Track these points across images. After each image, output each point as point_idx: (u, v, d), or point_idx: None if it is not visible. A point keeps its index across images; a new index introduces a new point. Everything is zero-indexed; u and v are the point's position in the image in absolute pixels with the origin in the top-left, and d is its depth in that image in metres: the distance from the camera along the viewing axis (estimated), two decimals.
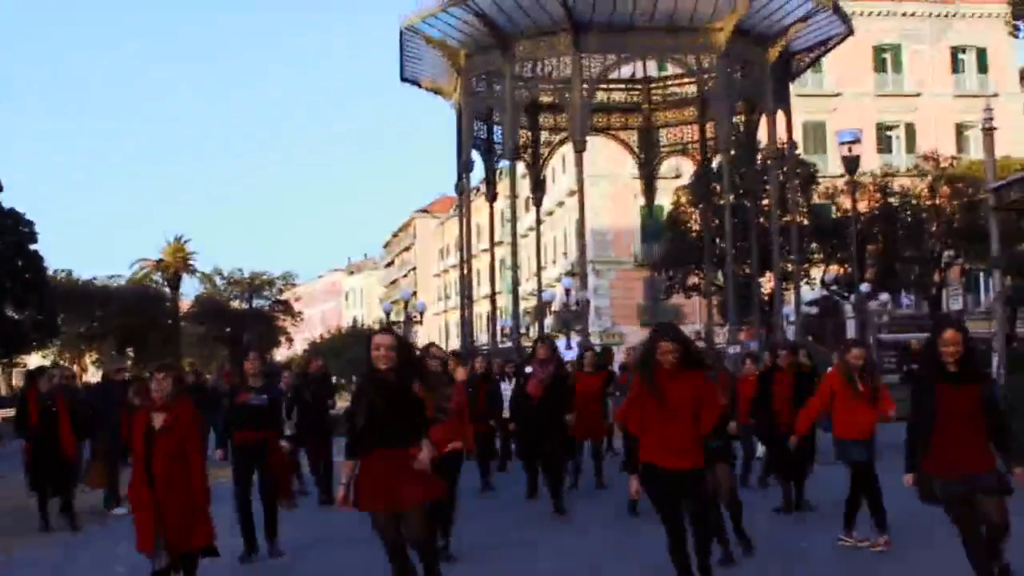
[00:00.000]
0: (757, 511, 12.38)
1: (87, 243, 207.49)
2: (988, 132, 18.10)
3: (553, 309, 45.34)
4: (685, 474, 7.48)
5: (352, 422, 7.63)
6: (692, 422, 7.53)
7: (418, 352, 10.44)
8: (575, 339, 32.49)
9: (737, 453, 11.15)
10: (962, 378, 7.48)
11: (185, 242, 74.18)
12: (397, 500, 7.36)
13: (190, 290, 77.78)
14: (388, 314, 70.86)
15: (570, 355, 24.00)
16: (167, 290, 73.20)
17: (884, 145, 56.87)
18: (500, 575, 9.75)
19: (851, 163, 28.14)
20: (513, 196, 33.67)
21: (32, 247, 43.42)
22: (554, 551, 10.70)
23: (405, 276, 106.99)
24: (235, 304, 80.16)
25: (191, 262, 74.85)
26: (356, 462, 7.54)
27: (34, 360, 65.97)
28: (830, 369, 11.56)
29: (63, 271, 67.51)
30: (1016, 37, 38.79)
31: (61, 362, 63.85)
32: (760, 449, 16.10)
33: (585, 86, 30.66)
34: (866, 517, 10.07)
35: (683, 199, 42.85)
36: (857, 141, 28.27)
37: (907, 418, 7.82)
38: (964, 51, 58.98)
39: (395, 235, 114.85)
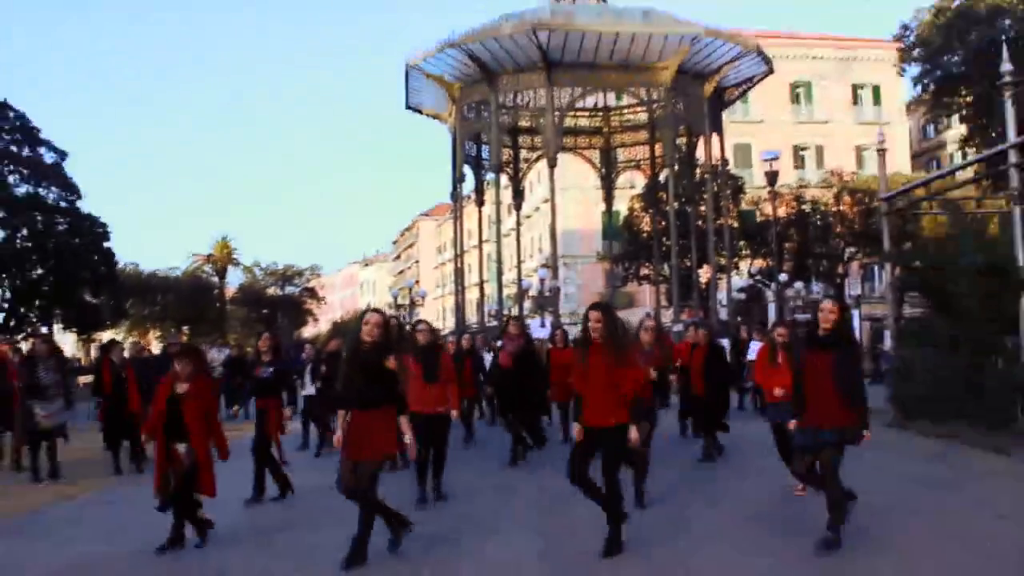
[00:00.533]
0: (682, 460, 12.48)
1: (151, 241, 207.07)
2: (881, 152, 18.19)
3: (531, 295, 45.31)
4: (603, 431, 7.35)
5: (342, 384, 7.58)
6: (611, 387, 7.37)
7: (408, 326, 10.58)
8: (548, 319, 32.51)
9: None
10: (827, 344, 7.46)
11: (230, 240, 73.84)
12: (359, 453, 7.34)
13: (234, 279, 77.49)
14: (395, 298, 70.94)
15: (544, 333, 23.98)
16: (215, 280, 72.78)
17: (799, 162, 57.12)
18: (484, 508, 9.65)
19: (771, 176, 28.34)
20: (497, 202, 33.72)
21: (105, 244, 43.20)
22: (531, 489, 10.67)
23: (409, 268, 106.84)
24: (271, 291, 79.99)
25: (235, 256, 74.45)
26: (345, 414, 7.51)
27: (108, 337, 65.79)
28: (759, 345, 11.48)
29: (131, 264, 67.27)
30: (902, 76, 39.01)
31: (131, 339, 63.70)
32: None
33: (557, 113, 30.67)
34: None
35: (636, 205, 43.02)
36: (776, 159, 28.50)
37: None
38: (863, 87, 59.28)
39: (402, 234, 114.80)
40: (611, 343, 7.46)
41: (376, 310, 7.93)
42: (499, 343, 14.58)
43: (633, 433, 7.40)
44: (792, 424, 7.77)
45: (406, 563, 7.36)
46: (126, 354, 14.17)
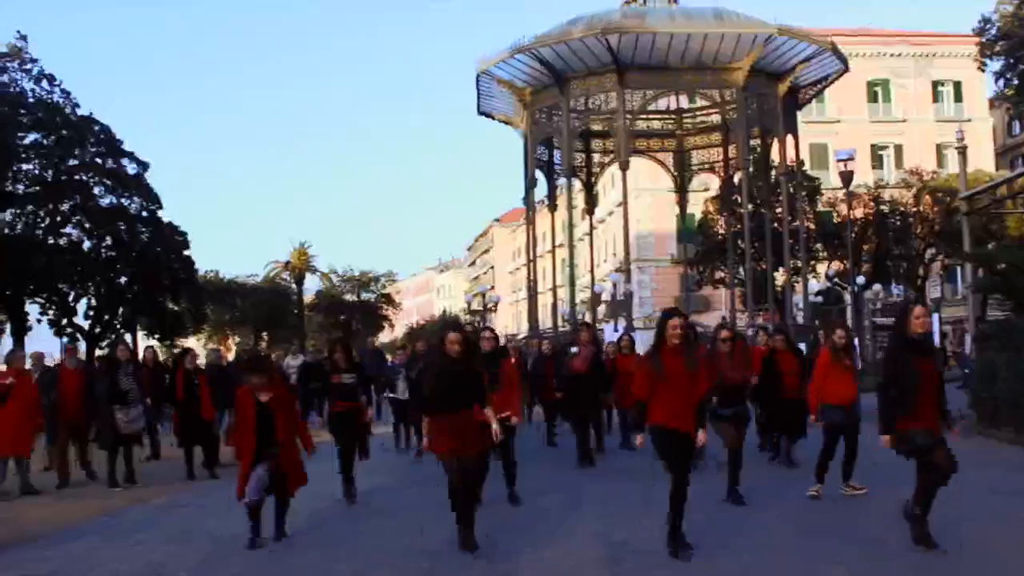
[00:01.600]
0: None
1: (232, 249, 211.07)
2: (961, 151, 17.72)
3: (604, 300, 45.11)
4: (683, 435, 7.42)
5: (422, 390, 8.49)
6: (691, 393, 7.47)
7: (473, 332, 11.03)
8: (622, 324, 32.28)
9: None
10: (926, 349, 7.49)
11: (308, 247, 74.64)
12: (463, 448, 7.87)
13: (312, 286, 78.39)
14: (469, 304, 71.13)
15: (616, 336, 23.79)
16: (293, 286, 73.67)
17: (877, 162, 56.13)
18: (546, 512, 9.67)
19: (846, 177, 27.83)
20: (570, 207, 33.56)
21: (185, 252, 43.94)
22: (594, 494, 10.59)
23: (485, 273, 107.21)
24: (348, 297, 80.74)
25: (312, 263, 75.36)
26: (428, 420, 8.23)
27: (191, 342, 67.12)
28: (823, 348, 11.19)
29: (212, 271, 68.38)
30: (983, 71, 38.01)
31: (212, 345, 64.83)
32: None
33: (628, 116, 30.48)
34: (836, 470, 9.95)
35: (711, 208, 42.57)
36: (851, 159, 28.00)
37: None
38: (943, 84, 58.04)
39: (476, 240, 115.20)
40: (691, 349, 7.65)
41: (456, 327, 8.78)
42: (573, 349, 14.59)
43: (702, 436, 7.53)
44: (886, 439, 7.51)
45: (466, 567, 7.39)
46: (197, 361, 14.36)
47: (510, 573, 7.30)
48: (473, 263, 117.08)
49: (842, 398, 9.81)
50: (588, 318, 40.07)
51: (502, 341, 13.19)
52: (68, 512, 10.96)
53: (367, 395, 11.59)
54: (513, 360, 14.38)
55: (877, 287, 40.99)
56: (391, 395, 16.51)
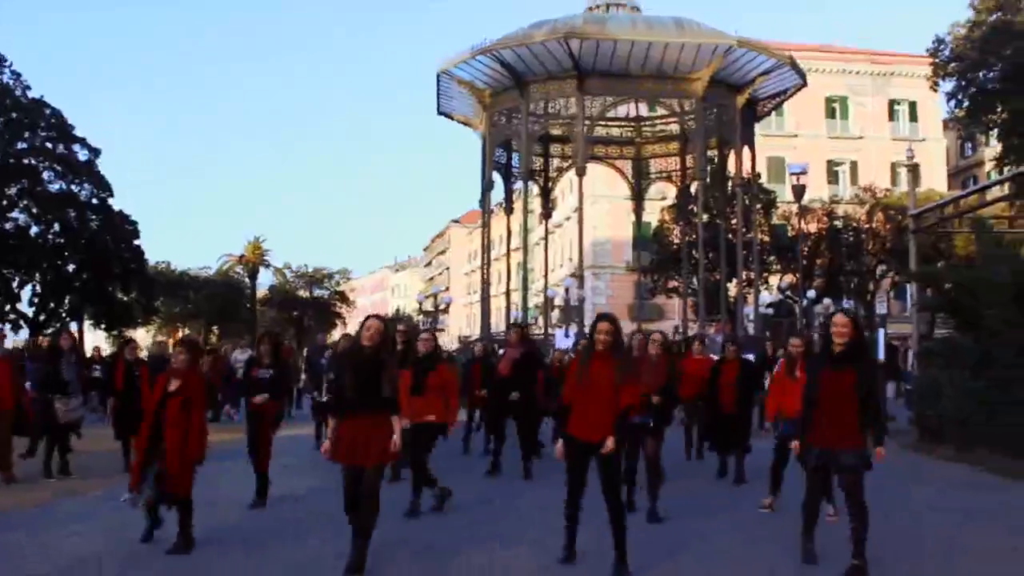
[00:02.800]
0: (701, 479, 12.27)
1: (184, 241, 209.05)
2: (911, 169, 17.93)
3: (557, 304, 45.13)
4: (595, 446, 7.11)
5: (336, 387, 7.62)
6: (611, 401, 7.16)
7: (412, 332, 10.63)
8: (573, 329, 32.27)
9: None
10: (843, 361, 7.14)
11: (262, 241, 74.18)
12: (363, 458, 7.24)
13: (265, 280, 77.86)
14: (420, 304, 70.93)
15: (568, 343, 23.74)
16: (247, 280, 73.18)
17: (832, 178, 56.69)
18: (479, 521, 9.52)
19: (799, 190, 28.05)
20: (526, 211, 33.63)
21: (136, 242, 43.49)
22: (528, 503, 10.43)
23: (440, 274, 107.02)
24: (301, 293, 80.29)
25: (266, 258, 74.87)
26: (337, 420, 7.44)
27: (140, 334, 66.36)
28: (780, 360, 11.00)
29: (163, 263, 67.79)
30: (936, 91, 38.48)
31: (160, 337, 64.17)
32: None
33: (587, 122, 30.50)
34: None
35: (667, 217, 42.85)
36: (804, 172, 28.23)
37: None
38: (899, 103, 58.78)
39: (433, 240, 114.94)
40: (617, 355, 7.31)
41: (377, 316, 7.87)
42: (500, 351, 14.30)
43: (609, 442, 7.05)
44: (794, 444, 7.49)
45: (399, 571, 7.32)
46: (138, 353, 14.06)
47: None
48: (429, 263, 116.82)
49: (794, 411, 8.92)
50: (541, 323, 40.09)
51: (453, 345, 12.92)
52: None
53: (282, 392, 11.29)
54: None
55: (827, 301, 41.38)
56: (315, 396, 16.36)
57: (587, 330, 7.73)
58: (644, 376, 8.66)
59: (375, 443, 7.21)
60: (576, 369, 7.50)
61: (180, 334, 70.15)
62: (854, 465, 6.99)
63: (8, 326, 39.56)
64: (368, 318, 7.74)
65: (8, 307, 40.06)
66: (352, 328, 67.49)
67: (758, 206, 37.39)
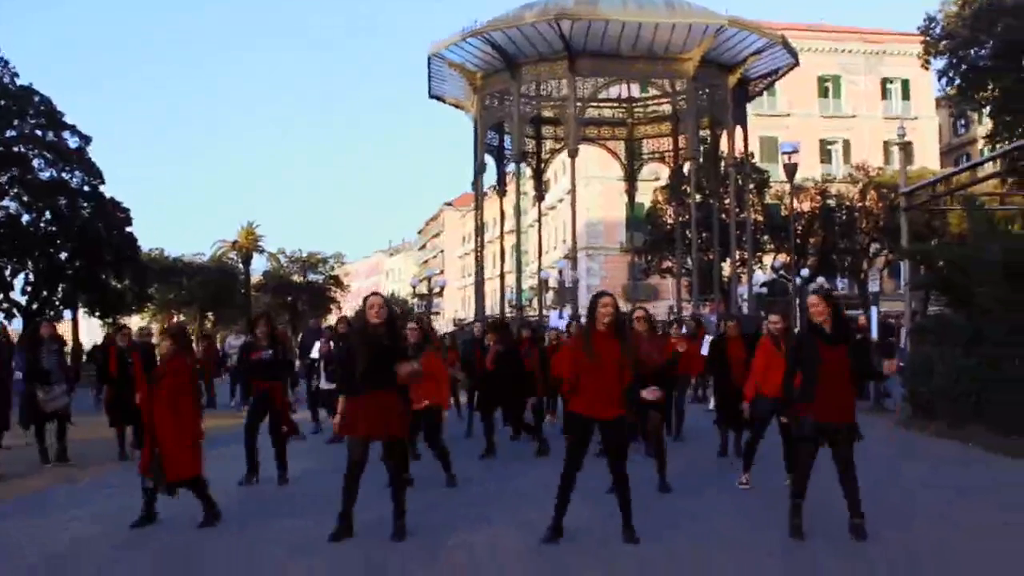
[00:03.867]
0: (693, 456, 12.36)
1: (178, 227, 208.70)
2: (902, 147, 17.96)
3: (551, 286, 45.20)
4: (605, 422, 7.32)
5: (348, 365, 7.72)
6: (618, 377, 7.31)
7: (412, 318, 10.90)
8: (567, 311, 32.34)
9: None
10: (836, 338, 7.35)
11: (256, 227, 74.07)
12: (380, 431, 7.48)
13: (259, 266, 77.86)
14: (415, 287, 70.97)
15: (562, 324, 23.80)
16: (240, 266, 73.07)
17: (825, 157, 56.85)
18: (477, 499, 9.65)
19: (791, 169, 28.06)
20: (518, 193, 33.59)
21: (128, 229, 43.39)
22: (534, 476, 10.56)
23: (435, 257, 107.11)
24: (295, 278, 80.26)
25: (260, 243, 74.74)
26: (345, 400, 7.71)
27: (134, 321, 66.31)
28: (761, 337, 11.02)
29: (157, 249, 67.72)
30: (928, 69, 38.46)
31: (154, 324, 64.17)
32: (711, 403, 15.91)
33: (579, 103, 30.39)
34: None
35: (660, 198, 42.89)
36: (796, 151, 28.21)
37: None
38: (891, 81, 58.88)
39: (427, 223, 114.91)
40: (619, 332, 7.43)
41: (376, 294, 8.07)
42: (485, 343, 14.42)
43: (650, 393, 7.53)
44: (785, 419, 7.63)
45: (395, 551, 7.36)
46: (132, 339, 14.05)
47: (435, 555, 7.26)
48: (423, 247, 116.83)
49: (774, 388, 9.16)
50: (535, 304, 40.15)
51: (448, 327, 13.07)
52: None
53: (285, 371, 11.42)
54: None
55: (821, 280, 41.47)
56: (314, 382, 16.44)
57: (586, 308, 7.74)
58: (645, 352, 8.86)
59: (392, 416, 7.51)
60: (578, 347, 7.56)
61: (175, 320, 70.23)
62: (848, 437, 7.31)
63: (1, 315, 39.51)
64: (370, 296, 7.91)
65: (1, 296, 40.00)
66: (348, 312, 67.47)
67: (751, 186, 37.42)
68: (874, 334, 18.40)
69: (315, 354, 17.27)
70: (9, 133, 38.78)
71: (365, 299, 7.85)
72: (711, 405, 16.03)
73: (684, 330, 15.62)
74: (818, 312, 7.39)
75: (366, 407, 7.45)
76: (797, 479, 7.54)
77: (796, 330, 13.60)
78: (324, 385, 15.60)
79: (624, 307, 10.55)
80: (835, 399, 7.29)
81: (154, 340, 13.32)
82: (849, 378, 7.40)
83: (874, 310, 19.09)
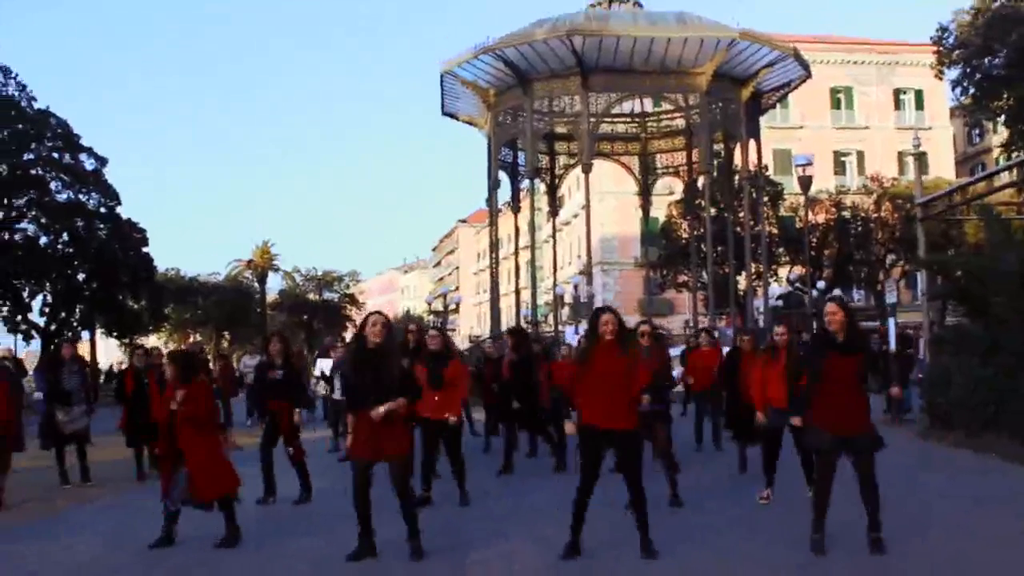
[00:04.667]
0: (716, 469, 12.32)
1: (194, 247, 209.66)
2: (917, 157, 17.92)
3: (567, 302, 45.19)
4: (615, 434, 7.30)
5: (349, 385, 7.77)
6: (624, 389, 7.32)
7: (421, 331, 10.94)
8: (582, 326, 32.31)
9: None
10: (851, 347, 7.30)
11: (271, 245, 74.40)
12: (376, 452, 7.42)
13: (275, 285, 78.07)
14: (430, 304, 70.99)
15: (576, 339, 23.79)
16: (256, 285, 73.28)
17: (839, 168, 56.67)
18: (493, 515, 9.65)
19: (805, 182, 27.99)
20: (533, 209, 33.64)
21: (144, 249, 43.56)
22: (551, 492, 10.54)
23: (449, 274, 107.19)
24: (311, 296, 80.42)
25: (275, 262, 75.02)
26: (353, 418, 7.67)
27: (151, 341, 66.54)
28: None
29: (173, 269, 67.96)
30: (941, 79, 38.39)
31: (171, 344, 64.47)
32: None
33: (592, 119, 30.40)
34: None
35: (674, 212, 42.88)
36: (810, 164, 28.15)
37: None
38: (904, 92, 58.74)
39: (442, 240, 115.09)
40: (623, 344, 7.42)
41: (379, 312, 8.03)
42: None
43: (644, 399, 7.69)
44: (796, 420, 7.61)
45: (413, 570, 7.35)
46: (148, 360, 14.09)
47: (453, 574, 7.27)
48: (438, 263, 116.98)
49: (780, 400, 9.19)
50: (551, 320, 40.12)
51: (464, 344, 13.11)
52: (8, 514, 10.78)
53: (298, 394, 11.42)
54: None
55: (837, 292, 41.34)
56: (332, 396, 16.48)
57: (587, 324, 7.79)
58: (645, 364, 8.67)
59: (390, 437, 7.40)
60: (579, 361, 7.59)
61: (191, 340, 70.46)
62: (870, 447, 7.24)
63: (20, 336, 39.74)
64: (371, 315, 7.85)
65: (19, 317, 40.23)
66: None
67: (765, 198, 37.33)
68: (892, 345, 18.31)
69: (317, 372, 17.57)
70: (27, 156, 39.05)
71: (367, 317, 7.81)
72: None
73: (709, 340, 15.56)
74: (835, 321, 7.33)
75: (367, 428, 7.41)
76: (818, 493, 7.47)
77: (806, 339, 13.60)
78: (337, 396, 15.72)
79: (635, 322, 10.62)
80: (849, 409, 7.24)
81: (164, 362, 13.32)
82: (861, 388, 7.33)
83: (891, 321, 19.03)
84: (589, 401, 7.37)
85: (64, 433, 12.74)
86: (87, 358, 39.18)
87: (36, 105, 39.57)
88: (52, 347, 39.49)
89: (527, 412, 12.96)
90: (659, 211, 43.04)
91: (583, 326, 32.53)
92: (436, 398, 9.84)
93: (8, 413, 11.19)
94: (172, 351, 9.44)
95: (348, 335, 77.47)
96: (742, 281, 35.61)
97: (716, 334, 27.07)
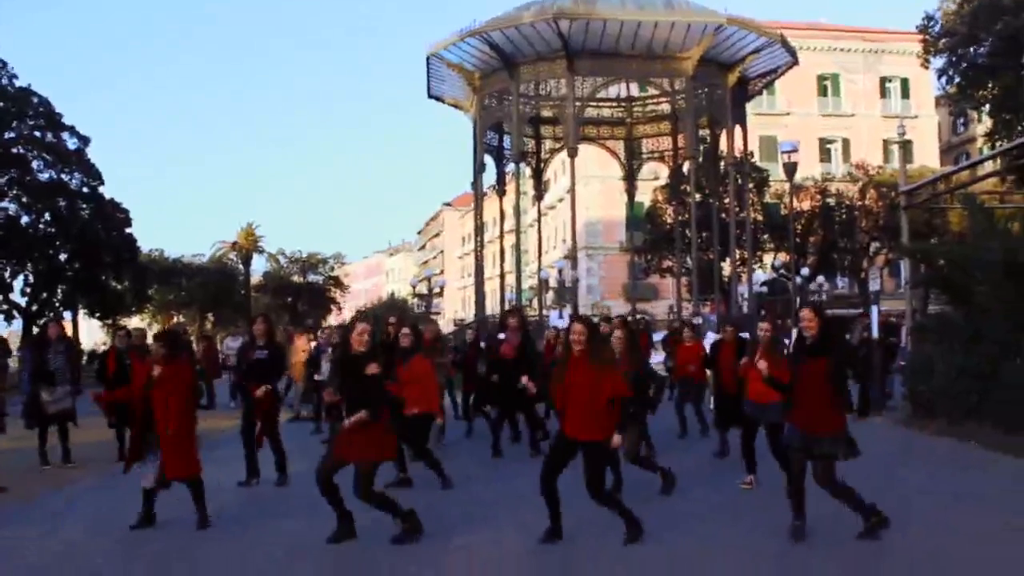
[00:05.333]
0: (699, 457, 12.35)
1: (178, 228, 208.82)
2: (902, 145, 17.94)
3: (551, 286, 45.18)
4: (580, 444, 7.36)
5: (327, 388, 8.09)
6: (592, 400, 7.31)
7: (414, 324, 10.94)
8: (567, 311, 32.34)
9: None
10: (816, 351, 7.43)
11: (255, 227, 74.10)
12: (348, 453, 7.58)
13: (259, 267, 77.84)
14: (414, 287, 70.93)
15: (563, 324, 23.77)
16: (240, 267, 73.05)
17: (825, 156, 56.81)
18: (477, 501, 9.65)
19: (790, 168, 28.00)
20: (518, 192, 33.57)
21: (127, 230, 43.33)
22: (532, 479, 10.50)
23: (435, 258, 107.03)
24: (295, 278, 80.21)
25: (260, 244, 74.74)
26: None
27: (134, 322, 66.26)
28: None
29: (156, 250, 67.73)
30: (927, 67, 38.43)
31: (154, 325, 64.27)
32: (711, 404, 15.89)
33: (577, 103, 30.35)
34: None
35: (659, 197, 42.93)
36: (795, 150, 28.10)
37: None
38: (891, 80, 58.88)
39: (427, 224, 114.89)
40: (591, 355, 7.44)
41: (363, 320, 8.35)
42: (500, 335, 14.35)
43: (616, 439, 7.40)
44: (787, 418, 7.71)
45: (395, 553, 7.39)
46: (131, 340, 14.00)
47: (436, 559, 7.28)
48: (423, 247, 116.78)
49: (758, 395, 9.39)
50: (535, 304, 40.12)
51: (449, 328, 13.05)
52: None
53: (279, 371, 11.45)
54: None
55: (821, 279, 41.51)
56: (316, 377, 16.45)
57: (595, 313, 7.79)
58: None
59: (361, 441, 7.53)
60: (558, 372, 7.62)
61: (174, 321, 70.22)
62: (828, 453, 7.32)
63: (2, 316, 39.51)
64: (358, 322, 8.12)
65: (1, 298, 39.98)
66: (348, 312, 67.56)
67: (751, 185, 37.39)
68: (875, 333, 18.34)
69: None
70: (8, 135, 38.74)
71: (353, 321, 8.03)
72: (711, 405, 16.02)
73: (691, 335, 15.50)
74: (807, 325, 7.50)
75: (349, 430, 7.58)
76: (793, 488, 7.55)
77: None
78: (320, 375, 15.76)
79: (624, 307, 10.56)
80: (814, 410, 7.34)
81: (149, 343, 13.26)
82: (829, 391, 7.37)
83: (874, 309, 19.01)
84: (565, 410, 7.45)
85: (48, 413, 12.68)
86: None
87: (17, 83, 39.24)
88: (39, 326, 39.28)
89: (525, 400, 12.88)
90: (644, 196, 43.03)
91: (567, 310, 32.61)
92: (412, 391, 9.84)
93: None
94: (161, 331, 9.47)
95: (332, 318, 77.65)
96: (727, 267, 35.67)
97: (699, 321, 27.22)
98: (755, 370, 9.15)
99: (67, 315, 44.46)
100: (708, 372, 14.22)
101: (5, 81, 38.78)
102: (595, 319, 14.70)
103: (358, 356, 7.68)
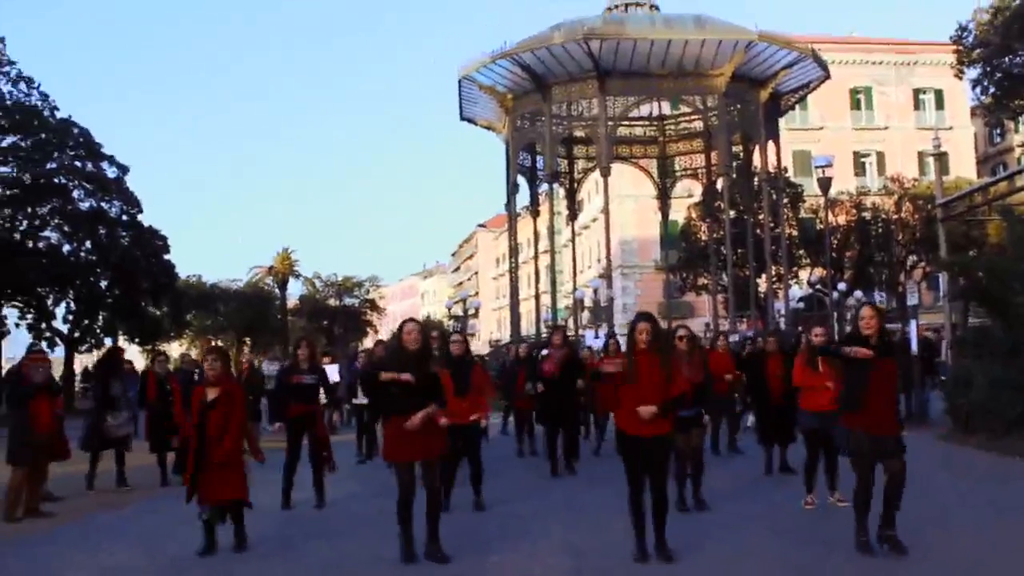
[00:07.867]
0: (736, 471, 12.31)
1: (215, 254, 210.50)
2: (937, 157, 17.82)
3: (586, 306, 45.12)
4: (647, 440, 7.31)
5: (382, 391, 7.74)
6: (660, 397, 7.32)
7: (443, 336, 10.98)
8: (603, 330, 32.31)
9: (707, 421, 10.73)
10: (885, 351, 7.32)
11: (291, 252, 74.60)
12: (420, 452, 7.56)
13: (295, 291, 78.29)
14: (450, 309, 71.11)
15: (598, 343, 23.78)
16: (276, 291, 73.51)
17: (859, 169, 56.40)
18: (515, 520, 9.58)
19: (824, 183, 27.84)
20: (552, 213, 33.72)
21: (166, 256, 43.70)
22: (562, 502, 10.57)
23: (469, 279, 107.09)
24: (331, 302, 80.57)
25: (296, 268, 75.21)
26: (386, 424, 7.85)
27: (173, 348, 66.90)
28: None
29: (194, 276, 68.24)
30: (961, 78, 38.19)
31: (194, 350, 64.74)
32: (750, 419, 15.82)
33: (610, 122, 30.54)
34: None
35: (694, 214, 42.76)
36: (829, 165, 27.91)
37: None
38: (924, 92, 58.44)
39: (461, 245, 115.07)
40: (659, 351, 7.46)
41: (412, 320, 8.18)
42: (543, 351, 14.41)
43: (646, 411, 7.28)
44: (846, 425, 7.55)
45: (425, 571, 7.40)
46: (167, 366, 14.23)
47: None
48: (457, 269, 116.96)
49: (817, 404, 9.32)
50: (571, 324, 40.13)
51: (484, 350, 13.15)
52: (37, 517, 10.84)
53: (330, 400, 11.52)
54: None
55: (858, 294, 41.12)
56: (355, 400, 16.50)
57: (626, 331, 7.80)
58: (684, 371, 8.61)
59: (431, 439, 7.56)
60: (624, 367, 7.56)
61: (212, 345, 70.73)
62: (901, 449, 7.24)
63: (45, 343, 39.93)
64: (406, 322, 7.98)
65: (44, 325, 40.44)
66: (385, 335, 67.67)
67: (785, 200, 37.25)
68: (914, 348, 18.20)
69: (335, 377, 17.74)
70: (50, 165, 39.24)
71: (401, 325, 7.93)
72: (749, 422, 15.95)
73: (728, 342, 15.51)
74: (869, 325, 7.32)
75: (405, 432, 7.50)
76: (860, 496, 7.41)
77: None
78: (359, 400, 15.80)
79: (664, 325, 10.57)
80: (881, 412, 7.25)
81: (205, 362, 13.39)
82: (895, 391, 7.41)
83: (913, 323, 18.87)
84: (625, 407, 7.40)
85: (109, 437, 12.85)
86: None
87: (58, 114, 39.82)
88: (77, 355, 39.79)
89: (571, 418, 13.07)
90: (678, 214, 42.98)
91: (603, 329, 32.57)
92: (460, 403, 9.82)
93: (51, 426, 11.23)
94: (212, 346, 9.55)
95: (369, 341, 77.91)
96: (762, 283, 35.51)
97: (736, 338, 27.12)
98: (816, 378, 9.26)
99: (107, 341, 44.96)
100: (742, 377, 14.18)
101: (47, 113, 39.37)
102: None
103: (414, 353, 7.66)
